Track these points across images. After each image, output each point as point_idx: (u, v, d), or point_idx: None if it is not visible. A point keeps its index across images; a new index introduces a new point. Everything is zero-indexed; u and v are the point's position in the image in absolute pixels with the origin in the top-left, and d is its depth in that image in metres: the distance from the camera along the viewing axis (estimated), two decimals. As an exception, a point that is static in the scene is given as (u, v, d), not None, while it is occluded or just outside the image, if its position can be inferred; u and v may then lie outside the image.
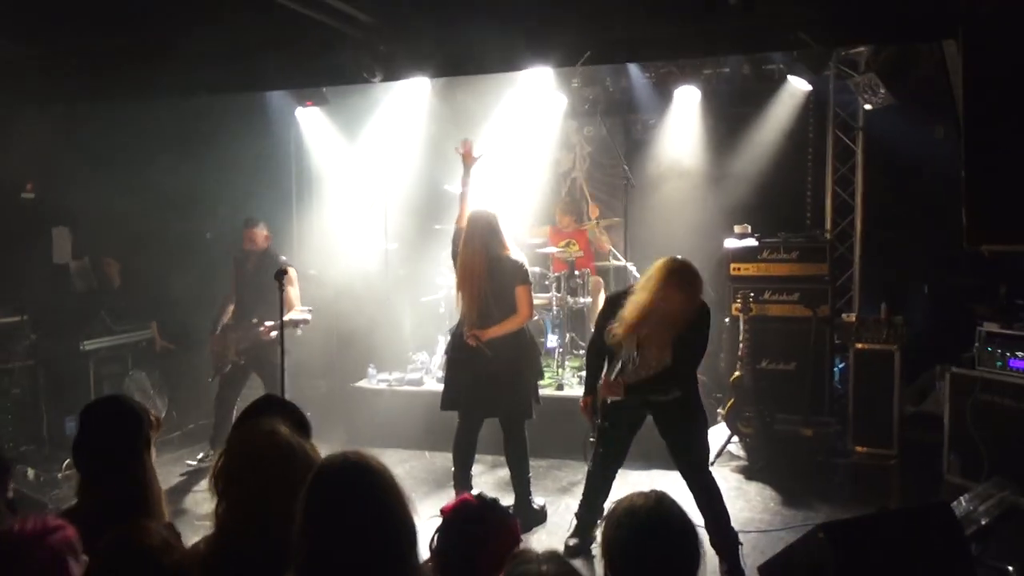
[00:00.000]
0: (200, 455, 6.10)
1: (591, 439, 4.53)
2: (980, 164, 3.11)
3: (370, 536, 1.74)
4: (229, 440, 2.03)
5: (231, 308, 6.27)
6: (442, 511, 2.33)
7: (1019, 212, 2.97)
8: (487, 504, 2.35)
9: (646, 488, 2.07)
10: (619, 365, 4.16)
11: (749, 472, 5.76)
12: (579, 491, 4.71)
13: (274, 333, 5.71)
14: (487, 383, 4.72)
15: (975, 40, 3.27)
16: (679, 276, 3.92)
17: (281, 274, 4.61)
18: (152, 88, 5.74)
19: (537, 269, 6.88)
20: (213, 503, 1.94)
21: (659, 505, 2.05)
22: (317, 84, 6.16)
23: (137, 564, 1.85)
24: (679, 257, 4.05)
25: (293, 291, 5.95)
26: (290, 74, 5.49)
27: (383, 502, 1.79)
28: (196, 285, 6.93)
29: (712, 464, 5.70)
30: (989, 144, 3.09)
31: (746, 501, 5.37)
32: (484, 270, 4.68)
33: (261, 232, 6.19)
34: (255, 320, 5.97)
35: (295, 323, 5.75)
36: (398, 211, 7.57)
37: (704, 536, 3.94)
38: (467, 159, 5.11)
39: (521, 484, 4.89)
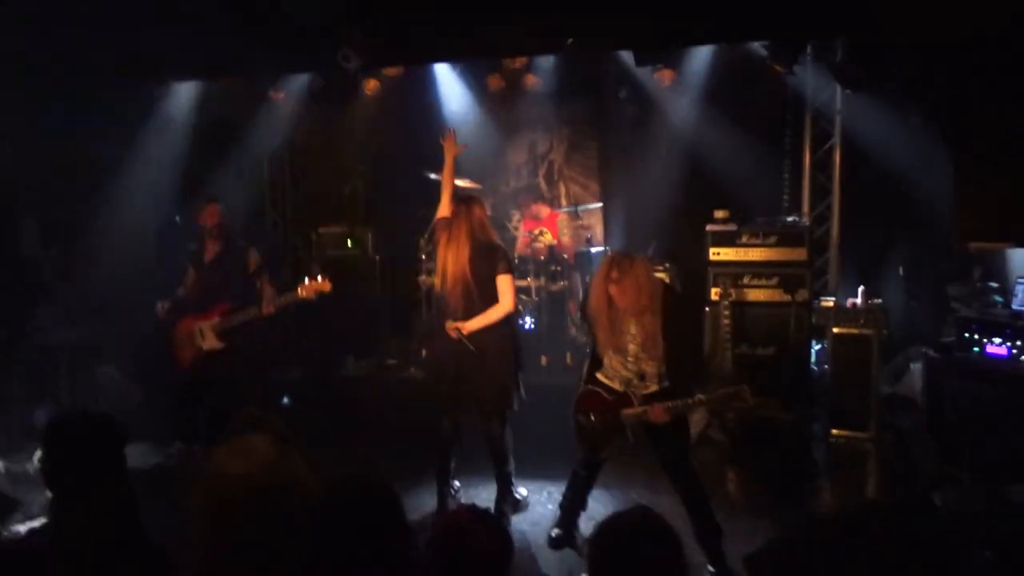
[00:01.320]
0: (175, 450, 5.96)
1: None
2: (969, 165, 3.11)
3: (375, 560, 1.74)
4: (207, 463, 1.96)
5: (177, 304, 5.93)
6: (432, 526, 2.29)
7: (1007, 212, 2.98)
8: (479, 516, 2.31)
9: (628, 480, 2.10)
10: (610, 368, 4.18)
11: (729, 457, 5.79)
12: (560, 479, 4.71)
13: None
14: (469, 376, 4.65)
15: (961, 40, 3.25)
16: (609, 267, 3.97)
17: (260, 271, 4.52)
18: (117, 75, 5.57)
19: (517, 254, 6.85)
20: (197, 527, 1.88)
21: (644, 522, 2.06)
22: (292, 71, 6.01)
23: None
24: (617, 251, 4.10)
25: (266, 273, 5.78)
26: (264, 61, 5.33)
27: (390, 529, 1.79)
28: (167, 271, 6.79)
29: (695, 450, 5.79)
30: (978, 145, 3.09)
31: (726, 486, 5.41)
32: (467, 259, 4.60)
33: (216, 208, 5.81)
34: (233, 304, 5.71)
35: (316, 292, 5.48)
36: (379, 196, 7.47)
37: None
38: (450, 149, 5.04)
39: (503, 476, 4.87)
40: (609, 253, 4.15)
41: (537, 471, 5.62)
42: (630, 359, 4.08)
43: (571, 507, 4.46)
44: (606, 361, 4.18)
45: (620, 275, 3.93)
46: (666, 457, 4.18)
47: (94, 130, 6.53)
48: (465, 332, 4.58)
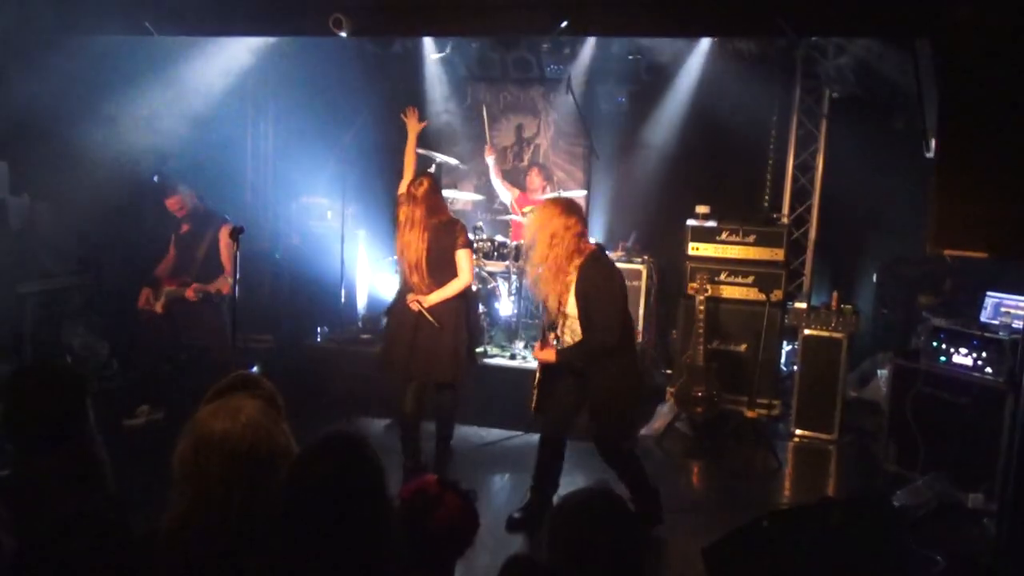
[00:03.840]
0: (140, 412, 5.87)
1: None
2: (951, 171, 3.15)
3: (353, 523, 1.73)
4: (193, 419, 1.93)
5: (164, 267, 6.17)
6: (400, 494, 2.28)
7: (984, 220, 3.03)
8: (446, 487, 2.31)
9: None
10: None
11: (694, 450, 5.85)
12: (526, 464, 4.74)
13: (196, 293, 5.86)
14: (422, 348, 4.79)
15: (951, 45, 3.28)
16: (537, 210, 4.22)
17: (238, 232, 4.51)
18: (101, 26, 5.46)
19: (499, 237, 6.83)
20: (176, 483, 1.85)
21: (601, 499, 2.09)
22: (281, 33, 5.92)
23: (77, 547, 1.75)
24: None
25: (228, 251, 5.90)
26: (252, 20, 5.24)
27: (369, 489, 1.78)
28: (142, 229, 6.70)
29: (661, 441, 5.84)
30: (961, 151, 3.13)
31: (690, 479, 5.47)
32: (426, 241, 4.73)
33: (176, 200, 5.97)
34: (189, 279, 5.95)
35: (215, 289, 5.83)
36: (360, 169, 7.42)
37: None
38: (412, 126, 5.25)
39: (445, 440, 5.14)
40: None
41: (503, 453, 5.65)
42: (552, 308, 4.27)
43: (540, 486, 4.45)
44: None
45: (542, 206, 4.19)
46: (596, 435, 4.26)
47: (72, 79, 6.39)
48: (426, 306, 4.75)
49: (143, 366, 6.15)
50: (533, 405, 4.43)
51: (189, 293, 5.86)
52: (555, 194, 7.35)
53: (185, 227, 6.08)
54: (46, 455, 2.19)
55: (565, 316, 4.16)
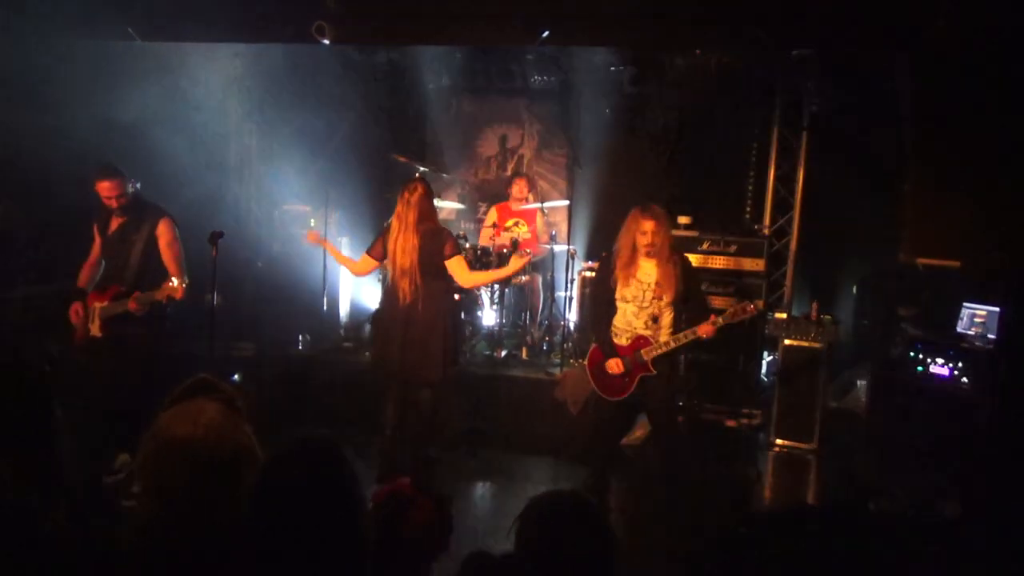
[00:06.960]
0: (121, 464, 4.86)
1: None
2: (924, 181, 3.19)
3: (326, 528, 1.70)
4: (154, 426, 1.90)
5: (88, 274, 5.13)
6: (373, 496, 2.28)
7: (956, 229, 3.07)
8: (419, 491, 2.31)
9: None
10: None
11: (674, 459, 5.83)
12: (505, 472, 4.72)
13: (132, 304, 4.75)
14: (414, 347, 4.84)
15: (927, 59, 3.33)
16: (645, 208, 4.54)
17: (217, 236, 4.42)
18: (82, 29, 5.43)
19: (480, 246, 6.83)
20: (138, 489, 1.84)
21: (569, 500, 2.10)
22: (264, 40, 5.91)
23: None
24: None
25: (173, 251, 4.93)
26: (235, 27, 5.24)
27: (342, 494, 1.75)
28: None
29: (641, 450, 5.85)
30: (934, 162, 3.17)
31: (669, 487, 5.45)
32: (415, 239, 4.79)
33: (110, 185, 4.81)
34: (123, 288, 4.86)
35: (167, 295, 4.60)
36: (344, 177, 7.42)
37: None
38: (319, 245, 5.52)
39: (420, 446, 5.11)
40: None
41: (485, 464, 5.64)
42: (645, 304, 4.52)
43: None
44: (618, 316, 4.59)
45: (655, 216, 4.51)
46: (653, 407, 4.67)
47: (42, 82, 6.34)
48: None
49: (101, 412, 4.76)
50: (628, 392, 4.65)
51: (132, 305, 4.70)
52: (538, 204, 7.39)
53: (116, 221, 4.97)
54: (10, 457, 2.15)
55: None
